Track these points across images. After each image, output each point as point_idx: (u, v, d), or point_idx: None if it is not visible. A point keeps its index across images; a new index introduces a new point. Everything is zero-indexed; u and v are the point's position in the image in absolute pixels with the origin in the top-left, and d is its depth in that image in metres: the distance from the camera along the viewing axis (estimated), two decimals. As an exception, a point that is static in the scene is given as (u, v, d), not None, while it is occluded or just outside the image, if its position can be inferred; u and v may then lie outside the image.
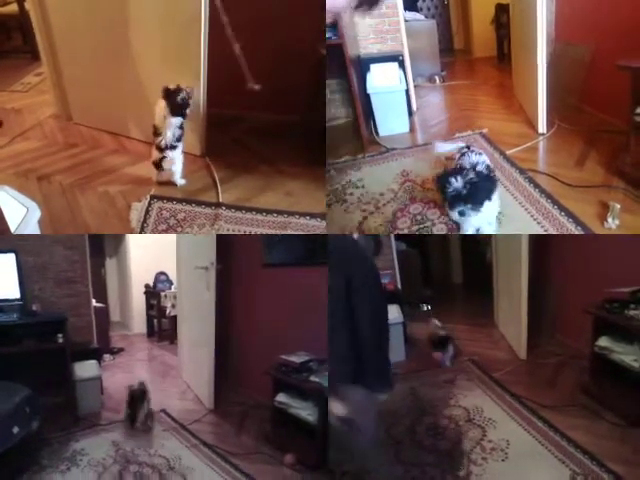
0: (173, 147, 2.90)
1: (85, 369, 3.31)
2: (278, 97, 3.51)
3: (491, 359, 3.56)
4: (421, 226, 2.85)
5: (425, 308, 5.20)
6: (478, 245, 5.59)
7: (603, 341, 2.73)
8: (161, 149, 2.89)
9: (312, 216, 2.86)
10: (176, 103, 2.83)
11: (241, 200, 2.97)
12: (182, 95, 2.84)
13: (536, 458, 2.24)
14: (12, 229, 2.08)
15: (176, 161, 2.96)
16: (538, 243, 3.46)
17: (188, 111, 2.90)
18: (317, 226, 2.82)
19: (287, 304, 3.28)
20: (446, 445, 2.41)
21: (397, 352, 3.69)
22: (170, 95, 2.84)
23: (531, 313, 3.42)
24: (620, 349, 2.60)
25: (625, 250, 3.04)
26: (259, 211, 2.90)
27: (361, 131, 3.79)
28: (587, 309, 2.83)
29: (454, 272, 6.62)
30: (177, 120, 2.86)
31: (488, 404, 2.83)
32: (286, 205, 2.93)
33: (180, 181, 3.05)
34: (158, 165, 2.95)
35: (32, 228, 2.30)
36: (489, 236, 4.14)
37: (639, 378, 2.44)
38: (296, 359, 2.72)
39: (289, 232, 2.79)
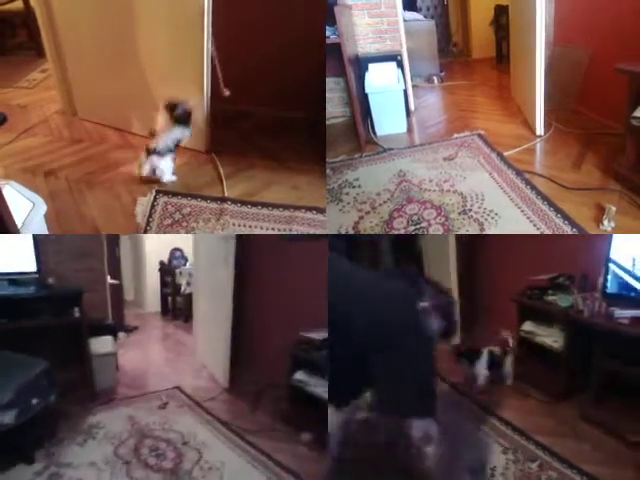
0: (160, 154, 2.92)
1: (101, 345, 3.32)
2: (284, 93, 3.53)
3: None
4: (417, 226, 2.84)
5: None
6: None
7: (527, 326, 2.89)
8: (149, 152, 2.92)
9: (318, 210, 2.87)
10: (178, 115, 2.90)
11: (247, 195, 2.98)
12: (182, 107, 2.89)
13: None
14: (18, 224, 2.07)
15: (160, 167, 2.97)
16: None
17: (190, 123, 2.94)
18: (323, 220, 2.83)
19: (308, 280, 3.17)
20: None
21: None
22: (170, 108, 2.89)
23: (462, 301, 3.46)
24: (542, 332, 2.78)
25: (545, 239, 3.07)
26: (265, 205, 2.90)
27: (358, 130, 3.78)
28: (511, 297, 2.96)
29: (383, 262, 6.52)
30: (177, 131, 2.91)
31: None
32: (292, 199, 2.93)
33: (169, 178, 3.04)
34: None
35: (38, 223, 2.31)
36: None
37: (559, 358, 2.62)
38: (316, 336, 2.69)
39: (293, 228, 2.78)
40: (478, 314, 3.91)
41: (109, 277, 4.08)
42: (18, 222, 2.07)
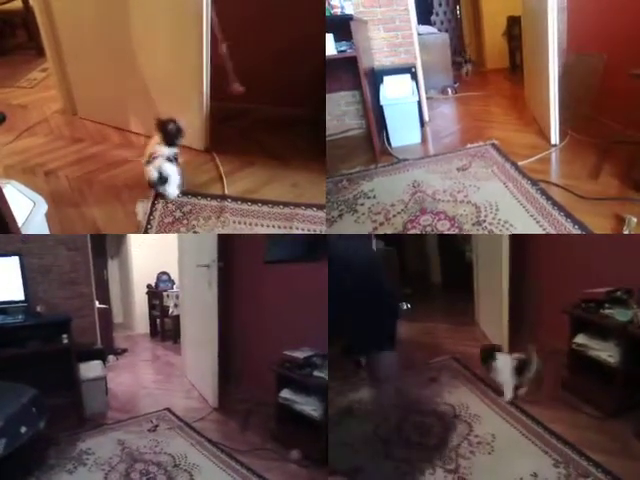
0: (165, 159, 2.88)
1: (90, 370, 3.37)
2: (284, 90, 3.62)
3: (474, 357, 3.55)
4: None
5: (405, 307, 5.22)
6: (456, 243, 5.64)
7: (580, 338, 2.88)
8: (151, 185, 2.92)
9: (318, 207, 2.95)
10: (167, 132, 2.86)
11: (247, 192, 3.06)
12: (172, 125, 2.86)
13: (520, 450, 2.37)
14: (19, 223, 2.13)
15: (168, 172, 2.91)
16: (516, 243, 3.53)
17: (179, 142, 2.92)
18: (323, 217, 2.91)
19: (289, 300, 3.33)
20: (434, 441, 2.51)
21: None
22: (162, 125, 2.87)
23: (511, 312, 3.50)
24: (596, 346, 2.77)
25: (598, 251, 3.17)
26: (265, 203, 2.98)
27: (373, 142, 3.90)
28: (565, 309, 2.96)
29: (432, 271, 6.66)
30: (169, 151, 2.87)
31: (473, 400, 2.94)
32: (292, 197, 3.01)
33: (174, 192, 3.02)
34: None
35: (39, 222, 2.38)
36: (468, 235, 4.25)
37: (614, 372, 2.61)
38: (299, 355, 2.76)
39: (294, 225, 2.85)
40: (526, 323, 3.97)
41: (97, 302, 4.17)
42: (19, 221, 2.12)
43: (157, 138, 2.89)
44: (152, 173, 2.89)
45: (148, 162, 2.89)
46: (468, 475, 2.18)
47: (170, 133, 2.85)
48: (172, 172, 2.92)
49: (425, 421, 2.70)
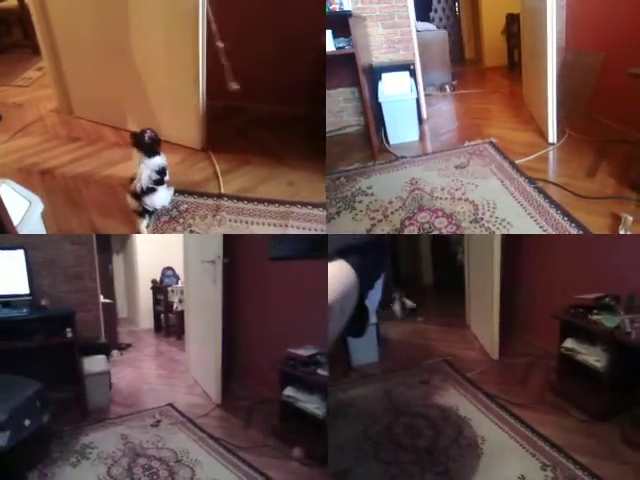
0: (151, 190, 2.71)
1: (93, 364, 3.41)
2: (280, 88, 3.63)
3: (465, 359, 3.72)
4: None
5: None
6: (448, 245, 5.71)
7: (569, 343, 2.97)
8: (137, 195, 2.69)
9: (314, 205, 2.95)
10: (145, 143, 2.68)
11: (243, 191, 3.07)
12: (148, 134, 2.69)
13: (509, 452, 2.42)
14: (15, 222, 2.12)
15: (158, 203, 2.78)
16: (508, 247, 3.60)
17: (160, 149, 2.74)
18: (319, 215, 2.91)
19: (294, 298, 3.35)
20: (424, 443, 2.54)
21: (371, 353, 3.77)
22: (137, 138, 2.69)
23: (502, 315, 3.58)
24: (584, 350, 2.86)
25: (590, 255, 3.25)
26: (261, 201, 2.99)
27: (372, 139, 3.92)
28: (555, 314, 3.04)
29: (424, 272, 6.74)
30: (154, 161, 2.70)
31: (463, 403, 2.99)
32: (288, 195, 3.02)
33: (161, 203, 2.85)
34: (141, 214, 2.77)
35: (35, 222, 2.38)
36: (460, 236, 4.29)
37: (601, 377, 2.68)
38: (303, 352, 2.79)
39: (289, 223, 2.85)
40: (517, 326, 4.06)
41: (102, 296, 4.21)
42: (15, 221, 2.12)
43: (137, 155, 2.72)
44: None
45: (133, 194, 2.72)
46: (457, 477, 2.20)
47: (148, 143, 2.68)
48: (158, 200, 2.77)
49: (415, 423, 2.75)
